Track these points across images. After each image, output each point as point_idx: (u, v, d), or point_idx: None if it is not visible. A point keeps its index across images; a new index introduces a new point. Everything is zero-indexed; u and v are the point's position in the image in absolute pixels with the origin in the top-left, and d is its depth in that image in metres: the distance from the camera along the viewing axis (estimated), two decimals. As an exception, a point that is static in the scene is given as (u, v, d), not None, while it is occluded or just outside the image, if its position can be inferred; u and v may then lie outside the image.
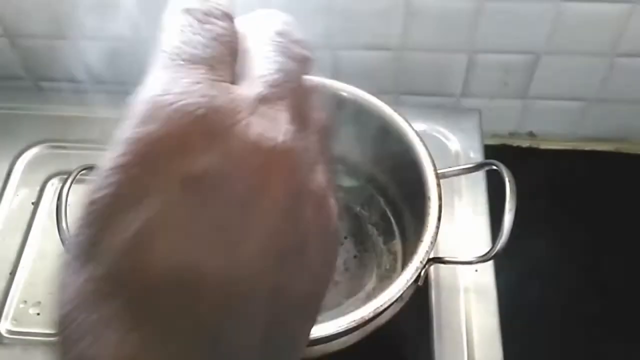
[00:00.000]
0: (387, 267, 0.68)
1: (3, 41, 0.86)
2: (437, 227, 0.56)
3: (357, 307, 0.54)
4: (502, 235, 0.54)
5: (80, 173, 0.58)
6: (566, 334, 0.78)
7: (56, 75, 0.91)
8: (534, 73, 0.83)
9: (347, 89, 0.66)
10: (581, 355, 0.76)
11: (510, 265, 0.75)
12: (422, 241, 0.56)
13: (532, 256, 0.80)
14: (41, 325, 0.71)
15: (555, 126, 0.91)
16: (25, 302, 0.73)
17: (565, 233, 0.84)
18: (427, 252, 0.55)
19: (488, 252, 0.55)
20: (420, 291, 0.60)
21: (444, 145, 0.82)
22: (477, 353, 0.68)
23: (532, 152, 0.93)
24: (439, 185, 0.58)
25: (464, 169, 0.61)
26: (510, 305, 0.73)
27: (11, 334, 0.71)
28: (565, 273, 0.82)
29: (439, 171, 0.60)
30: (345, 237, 0.70)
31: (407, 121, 0.62)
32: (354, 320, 0.52)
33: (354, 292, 0.66)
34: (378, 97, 0.65)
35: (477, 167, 0.60)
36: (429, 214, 0.57)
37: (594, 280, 0.81)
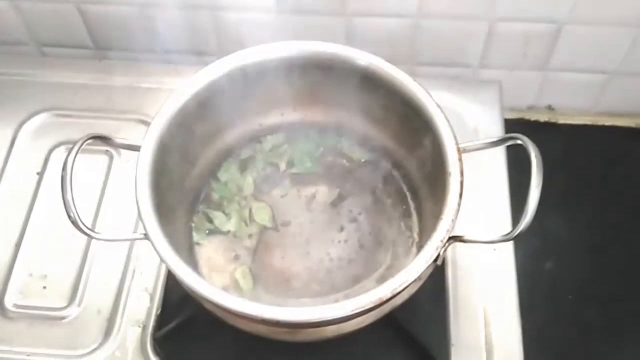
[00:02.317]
0: (403, 244, 0.66)
1: (6, 5, 0.83)
2: (459, 205, 0.54)
3: (373, 286, 0.52)
4: (526, 214, 0.51)
5: (86, 143, 0.56)
6: (584, 312, 0.76)
7: (61, 41, 0.88)
8: (555, 44, 0.80)
9: (364, 57, 0.63)
10: (599, 335, 0.75)
11: (527, 242, 0.73)
12: (442, 219, 0.53)
13: (549, 233, 0.79)
14: (48, 299, 0.70)
15: (575, 100, 0.89)
16: (31, 274, 0.71)
17: (583, 209, 0.83)
18: (448, 231, 0.53)
19: (511, 231, 0.52)
20: (437, 270, 0.58)
21: (462, 118, 0.79)
22: (495, 333, 0.67)
23: (550, 127, 0.90)
24: (460, 160, 0.56)
25: (486, 143, 0.58)
26: (527, 283, 0.71)
27: (17, 308, 0.69)
28: (582, 250, 0.80)
29: (459, 145, 0.57)
30: (360, 214, 0.68)
31: (427, 92, 0.60)
32: (371, 301, 0.50)
33: (370, 270, 0.64)
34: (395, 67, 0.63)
35: (501, 142, 0.57)
36: (449, 190, 0.55)
37: (612, 257, 0.80)
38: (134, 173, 0.56)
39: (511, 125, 0.82)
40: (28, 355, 0.67)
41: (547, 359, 0.73)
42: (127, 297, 0.70)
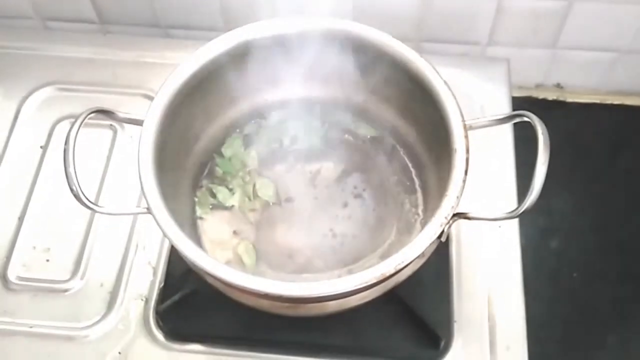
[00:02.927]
0: (407, 221, 0.66)
1: (10, -23, 0.83)
2: (464, 181, 0.53)
3: (376, 262, 0.52)
4: (532, 191, 0.51)
5: (89, 116, 0.55)
6: (588, 291, 0.76)
7: (65, 15, 0.88)
8: (565, 21, 0.79)
9: (370, 33, 0.62)
10: (604, 314, 0.75)
11: (533, 220, 0.73)
12: (447, 195, 0.53)
13: (555, 211, 0.79)
14: (51, 272, 0.70)
15: (584, 78, 0.88)
16: (34, 247, 0.71)
17: (590, 189, 0.82)
18: (453, 208, 0.52)
19: (517, 208, 0.52)
20: (441, 246, 0.57)
21: (470, 95, 0.78)
22: (498, 311, 0.67)
23: (559, 105, 0.90)
24: (466, 137, 0.55)
25: (493, 120, 0.57)
26: (532, 261, 0.71)
27: (20, 280, 0.70)
28: (588, 229, 0.80)
29: (466, 122, 0.56)
30: (364, 190, 0.68)
31: (434, 69, 0.59)
32: (375, 277, 0.50)
33: (373, 247, 0.64)
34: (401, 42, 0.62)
35: (508, 119, 0.56)
36: (455, 166, 0.54)
37: (618, 236, 0.80)
38: (136, 147, 0.56)
39: (519, 103, 0.81)
40: (31, 327, 0.67)
41: (550, 336, 0.73)
42: (130, 271, 0.70)
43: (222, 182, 0.69)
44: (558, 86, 0.89)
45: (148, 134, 0.57)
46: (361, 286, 0.50)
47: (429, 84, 0.59)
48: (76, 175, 0.53)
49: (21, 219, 0.73)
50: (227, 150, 0.70)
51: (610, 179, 0.84)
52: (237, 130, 0.71)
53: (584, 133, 0.87)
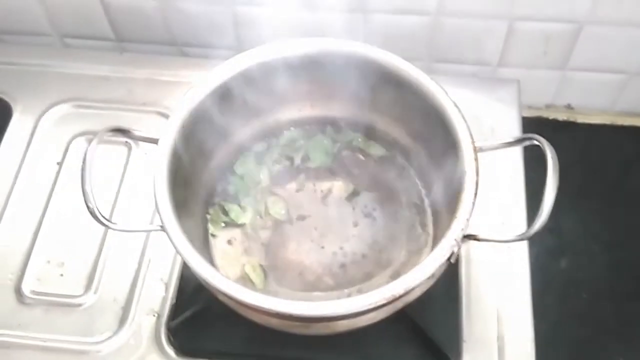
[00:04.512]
0: (417, 240, 0.66)
1: (29, -5, 0.84)
2: (473, 204, 0.54)
3: (386, 282, 0.52)
4: (541, 214, 0.51)
5: (106, 134, 0.56)
6: (597, 312, 0.76)
7: (82, 33, 0.89)
8: (575, 43, 0.80)
9: (380, 55, 0.63)
10: (613, 334, 0.75)
11: (542, 240, 0.73)
12: (456, 217, 0.53)
13: (565, 231, 0.79)
14: (64, 287, 0.71)
15: (594, 99, 0.88)
16: (49, 262, 0.72)
17: (600, 209, 0.82)
18: (462, 230, 0.53)
19: (526, 231, 0.52)
20: (451, 266, 0.58)
21: (480, 116, 0.79)
22: (507, 331, 0.67)
23: (569, 126, 0.90)
24: (476, 159, 0.56)
25: (503, 143, 0.58)
26: (541, 281, 0.71)
27: (34, 294, 0.71)
28: (598, 249, 0.80)
29: (476, 144, 0.57)
30: (375, 209, 0.68)
31: (444, 90, 0.60)
32: (384, 297, 0.50)
33: (383, 266, 0.65)
34: (411, 64, 0.63)
35: (517, 142, 0.57)
36: (464, 189, 0.55)
37: (628, 256, 0.80)
38: (152, 166, 0.57)
39: (529, 124, 0.82)
40: (44, 341, 0.68)
41: (559, 357, 0.73)
42: (142, 286, 0.71)
43: (235, 200, 0.69)
44: (568, 107, 0.90)
45: (162, 153, 0.58)
46: (371, 307, 0.50)
47: (439, 105, 0.60)
48: (92, 193, 0.54)
49: (36, 233, 0.74)
50: (239, 169, 0.71)
51: (620, 199, 0.84)
52: (250, 149, 0.72)
53: (594, 154, 0.87)
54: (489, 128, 0.79)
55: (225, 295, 0.52)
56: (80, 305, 0.70)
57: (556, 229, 0.78)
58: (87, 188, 0.54)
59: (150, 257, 0.72)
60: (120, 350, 0.67)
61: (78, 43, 0.91)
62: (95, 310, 0.70)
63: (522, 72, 0.84)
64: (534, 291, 0.69)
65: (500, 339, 0.67)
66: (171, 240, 0.54)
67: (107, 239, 0.73)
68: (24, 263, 0.72)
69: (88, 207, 0.54)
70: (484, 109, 0.80)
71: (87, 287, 0.71)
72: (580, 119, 0.90)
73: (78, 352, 0.67)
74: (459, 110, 0.59)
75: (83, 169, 0.54)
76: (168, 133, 0.59)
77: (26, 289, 0.71)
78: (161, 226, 0.55)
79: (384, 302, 0.50)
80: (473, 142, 0.57)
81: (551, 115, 0.90)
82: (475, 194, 0.54)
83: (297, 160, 0.72)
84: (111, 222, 0.56)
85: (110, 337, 0.68)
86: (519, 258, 0.71)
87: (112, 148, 0.79)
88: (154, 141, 0.59)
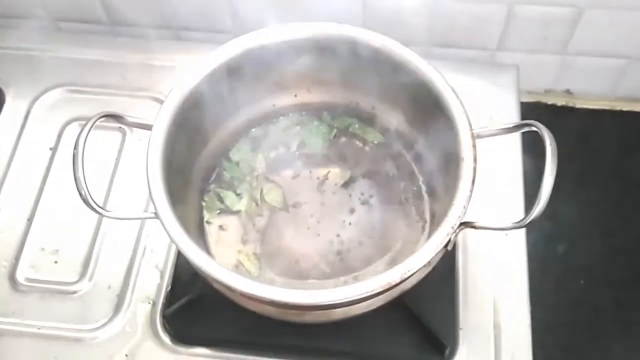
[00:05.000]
0: (414, 227, 0.66)
1: (21, -22, 0.83)
2: (471, 191, 0.53)
3: (383, 269, 0.52)
4: (539, 201, 0.50)
5: (99, 120, 0.56)
6: (595, 298, 0.76)
7: (76, 16, 0.88)
8: (575, 27, 0.79)
9: (378, 39, 0.62)
10: (610, 321, 0.75)
11: (540, 226, 0.72)
12: (454, 204, 0.53)
13: (562, 217, 0.78)
14: (59, 274, 0.70)
15: (594, 84, 0.88)
16: (43, 249, 0.72)
17: (598, 195, 0.82)
18: (459, 217, 0.52)
19: (523, 218, 0.52)
20: (447, 253, 0.57)
21: (478, 101, 0.78)
22: (504, 318, 0.67)
23: (568, 111, 0.89)
24: (474, 146, 0.55)
25: (501, 129, 0.57)
26: (538, 267, 0.71)
27: (29, 282, 0.70)
28: (596, 236, 0.80)
29: (474, 131, 0.56)
30: (371, 196, 0.68)
31: (442, 76, 0.59)
32: (380, 285, 0.50)
33: (379, 253, 0.64)
34: (410, 49, 0.62)
35: (516, 128, 0.56)
36: (462, 176, 0.54)
37: (625, 243, 0.79)
38: (145, 153, 0.56)
39: (528, 109, 0.81)
40: (39, 328, 0.68)
41: (556, 343, 0.73)
42: (137, 274, 0.70)
43: (230, 186, 0.69)
44: (567, 92, 0.89)
45: (156, 139, 0.57)
46: (367, 294, 0.50)
47: (436, 91, 0.59)
48: (85, 180, 0.53)
49: (30, 220, 0.74)
50: (235, 155, 0.70)
51: (618, 185, 0.83)
52: (246, 135, 0.71)
53: (593, 139, 0.87)
54: (488, 114, 0.78)
55: (220, 283, 0.52)
56: (75, 292, 0.70)
57: (553, 215, 0.78)
58: (80, 175, 0.53)
59: (146, 244, 0.72)
60: (115, 338, 0.67)
61: (71, 27, 0.89)
62: (90, 297, 0.69)
63: (521, 57, 0.83)
64: (531, 277, 0.69)
65: (496, 326, 0.66)
66: (165, 229, 0.53)
67: (102, 226, 0.73)
68: (18, 250, 0.72)
69: (81, 195, 0.53)
70: (483, 95, 0.79)
71: (82, 274, 0.70)
72: (580, 104, 0.89)
73: (73, 339, 0.67)
74: (457, 97, 0.58)
75: (75, 156, 0.53)
76: (162, 119, 0.58)
77: (20, 276, 0.71)
78: (155, 213, 0.54)
79: (380, 289, 0.50)
80: (471, 128, 0.56)
81: (550, 100, 0.90)
82: (473, 181, 0.54)
83: (294, 147, 0.71)
84: (105, 209, 0.55)
85: (105, 324, 0.68)
86: (516, 245, 0.70)
87: (105, 134, 0.78)
88: (148, 127, 0.58)
